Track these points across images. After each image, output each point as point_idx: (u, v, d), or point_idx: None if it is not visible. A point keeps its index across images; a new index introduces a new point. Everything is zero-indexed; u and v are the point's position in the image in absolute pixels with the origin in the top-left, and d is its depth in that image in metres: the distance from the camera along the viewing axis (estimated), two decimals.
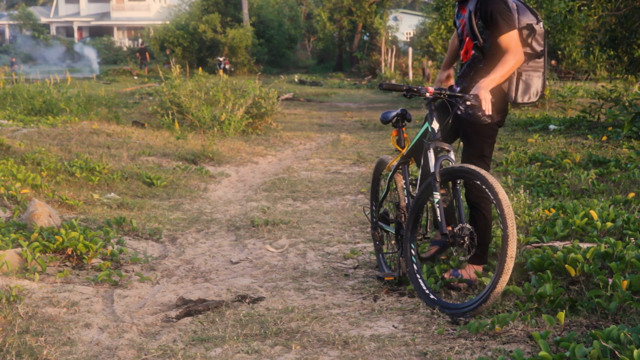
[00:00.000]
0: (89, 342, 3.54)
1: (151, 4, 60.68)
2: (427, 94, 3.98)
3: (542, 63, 4.06)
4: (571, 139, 10.94)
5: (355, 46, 41.93)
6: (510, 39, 3.91)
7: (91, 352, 3.42)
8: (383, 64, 33.52)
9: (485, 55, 4.03)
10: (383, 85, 3.98)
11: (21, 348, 3.36)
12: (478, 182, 3.80)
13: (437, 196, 3.90)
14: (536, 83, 4.06)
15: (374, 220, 4.85)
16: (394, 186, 4.68)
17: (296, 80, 32.90)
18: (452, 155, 3.98)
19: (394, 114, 4.48)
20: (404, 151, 4.43)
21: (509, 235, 3.62)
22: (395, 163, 4.58)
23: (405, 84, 4.13)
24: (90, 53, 43.39)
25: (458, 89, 4.15)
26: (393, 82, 28.46)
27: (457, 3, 4.27)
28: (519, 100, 4.04)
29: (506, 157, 9.06)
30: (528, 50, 4.00)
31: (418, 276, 4.00)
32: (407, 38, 49.02)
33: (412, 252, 4.07)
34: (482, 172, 3.79)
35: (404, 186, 4.41)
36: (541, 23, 4.03)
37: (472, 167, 3.85)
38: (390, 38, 40.95)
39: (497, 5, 3.91)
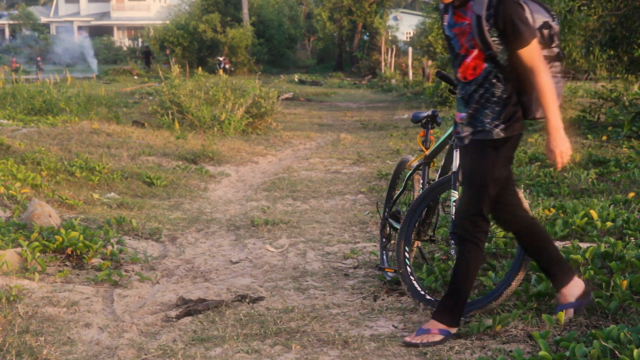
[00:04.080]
0: (89, 341, 3.54)
1: (151, 4, 60.66)
2: None
3: (559, 67, 3.47)
4: (571, 138, 10.87)
5: (355, 46, 41.93)
6: (533, 51, 3.26)
7: (91, 351, 3.42)
8: (383, 63, 33.53)
9: (504, 71, 3.34)
10: (440, 73, 4.06)
11: (21, 348, 3.36)
12: None
13: (455, 195, 3.90)
14: (557, 90, 3.40)
15: (385, 216, 4.86)
16: (411, 185, 4.69)
17: (296, 80, 32.90)
18: None
19: (424, 114, 4.51)
20: (427, 152, 4.44)
21: None
22: (415, 163, 4.59)
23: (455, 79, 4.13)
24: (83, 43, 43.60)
25: (463, 115, 3.46)
26: (393, 81, 28.54)
27: (447, 6, 3.45)
28: (538, 115, 3.43)
29: None
30: (546, 53, 3.42)
31: (412, 278, 4.00)
32: (407, 38, 48.99)
33: (406, 254, 4.07)
34: None
35: (421, 187, 4.41)
36: (556, 20, 3.49)
37: None
38: (390, 38, 40.93)
39: (515, 8, 3.25)
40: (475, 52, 3.34)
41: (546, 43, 3.41)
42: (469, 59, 3.37)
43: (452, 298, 3.50)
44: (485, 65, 3.34)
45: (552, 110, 3.29)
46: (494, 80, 3.35)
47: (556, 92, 3.38)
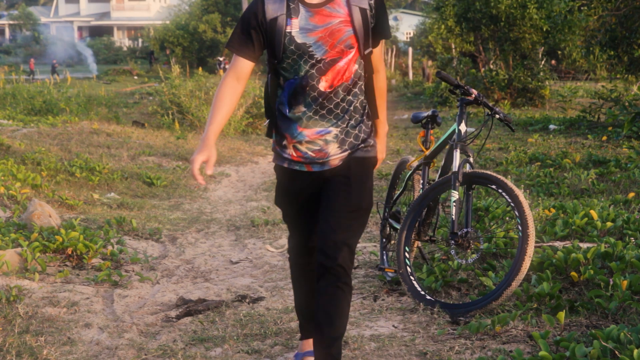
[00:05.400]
0: (89, 342, 3.54)
1: (151, 4, 60.69)
2: (472, 96, 4.05)
3: None
4: (571, 138, 10.94)
5: None
6: (381, 51, 2.92)
7: (91, 352, 3.42)
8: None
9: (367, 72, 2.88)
10: (441, 73, 4.06)
11: (21, 348, 3.36)
12: (494, 187, 3.81)
13: (455, 195, 3.90)
14: None
15: (385, 216, 4.86)
16: (411, 185, 4.68)
17: None
18: (471, 160, 4.00)
19: (424, 115, 4.52)
20: (427, 152, 4.44)
21: (529, 235, 3.64)
22: (415, 163, 4.59)
23: (456, 80, 4.13)
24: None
25: (329, 130, 2.78)
26: (393, 81, 28.55)
27: (290, 11, 2.71)
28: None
29: (506, 157, 9.06)
30: None
31: (412, 278, 4.00)
32: (407, 38, 49.00)
33: (406, 254, 4.07)
34: (500, 176, 3.84)
35: (421, 187, 4.41)
36: None
37: (490, 172, 3.90)
38: (390, 38, 40.94)
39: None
40: (352, 52, 2.75)
41: None
42: (342, 62, 2.74)
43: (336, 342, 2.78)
44: (355, 67, 2.78)
45: (385, 115, 2.94)
46: (360, 83, 2.84)
47: None
